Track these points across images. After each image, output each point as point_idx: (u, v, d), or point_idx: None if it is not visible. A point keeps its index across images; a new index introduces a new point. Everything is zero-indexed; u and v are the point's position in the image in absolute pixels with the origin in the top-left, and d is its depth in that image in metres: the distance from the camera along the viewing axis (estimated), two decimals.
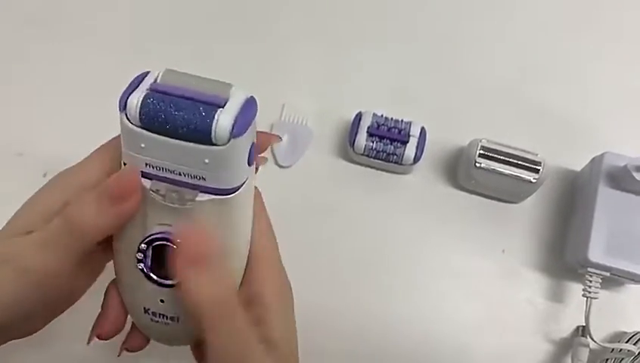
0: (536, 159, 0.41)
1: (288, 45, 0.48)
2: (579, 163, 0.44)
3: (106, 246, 0.28)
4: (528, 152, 0.41)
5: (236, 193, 0.25)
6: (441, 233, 0.44)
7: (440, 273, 0.43)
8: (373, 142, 0.42)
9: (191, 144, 0.23)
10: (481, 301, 0.42)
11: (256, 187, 0.29)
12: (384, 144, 0.42)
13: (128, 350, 0.31)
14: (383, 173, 0.45)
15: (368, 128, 0.42)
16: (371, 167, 0.44)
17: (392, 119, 0.43)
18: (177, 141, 0.23)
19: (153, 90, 0.23)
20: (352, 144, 0.43)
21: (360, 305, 0.41)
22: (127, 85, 0.24)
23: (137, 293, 0.28)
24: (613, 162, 0.40)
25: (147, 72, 0.24)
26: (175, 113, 0.23)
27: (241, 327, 0.26)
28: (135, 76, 0.24)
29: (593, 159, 0.42)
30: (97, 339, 0.30)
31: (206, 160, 0.23)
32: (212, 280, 0.25)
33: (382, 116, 0.43)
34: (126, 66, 0.46)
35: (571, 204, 0.44)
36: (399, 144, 0.42)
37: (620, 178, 0.40)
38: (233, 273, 0.28)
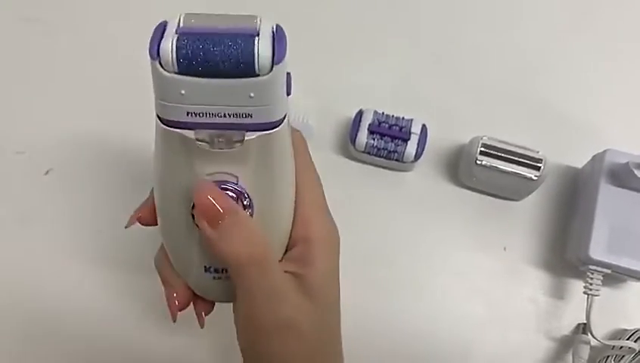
0: (537, 157, 0.41)
1: (289, 43, 0.48)
2: (580, 160, 0.44)
3: None
4: (529, 149, 0.41)
5: (281, 125, 0.24)
6: (442, 230, 0.44)
7: (441, 270, 0.43)
8: (374, 140, 0.42)
9: (235, 80, 0.22)
10: (482, 298, 0.42)
11: (299, 132, 0.29)
12: (385, 141, 0.42)
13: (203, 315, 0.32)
14: (385, 170, 0.45)
15: (369, 125, 0.42)
16: (373, 164, 0.44)
17: (393, 116, 0.43)
18: (219, 80, 0.22)
19: (184, 32, 0.22)
20: (354, 141, 0.43)
21: (361, 303, 0.41)
22: (152, 36, 0.22)
23: (195, 254, 0.28)
24: (615, 160, 0.40)
25: (165, 21, 0.23)
26: (214, 50, 0.22)
27: (273, 282, 0.26)
28: (155, 26, 0.23)
29: (594, 156, 0.42)
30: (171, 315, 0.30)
31: (252, 94, 0.22)
32: (239, 237, 0.25)
33: (383, 113, 0.43)
34: (129, 65, 0.46)
35: (572, 201, 0.44)
36: (400, 142, 0.42)
37: (622, 176, 0.40)
38: (285, 211, 0.28)
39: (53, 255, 0.42)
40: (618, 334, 0.41)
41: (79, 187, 0.44)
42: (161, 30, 0.22)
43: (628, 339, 0.40)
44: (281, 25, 0.24)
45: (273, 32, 0.23)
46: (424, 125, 0.43)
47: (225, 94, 0.22)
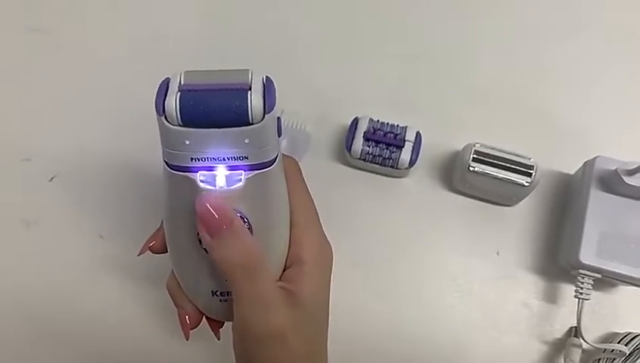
0: (529, 163, 0.42)
1: (286, 52, 0.49)
2: (572, 167, 0.45)
3: None
4: (521, 156, 0.42)
5: (275, 163, 0.27)
6: (436, 235, 0.44)
7: (435, 274, 0.44)
8: (369, 147, 0.43)
9: (232, 129, 0.25)
10: (475, 302, 0.43)
11: (293, 159, 0.32)
12: (380, 148, 0.43)
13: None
14: (380, 177, 0.45)
15: (365, 133, 0.43)
16: (368, 171, 0.45)
17: (388, 124, 0.44)
18: (218, 130, 0.25)
19: (185, 90, 0.25)
20: (349, 148, 0.44)
21: (356, 307, 0.42)
22: (156, 92, 0.25)
23: (202, 280, 0.30)
24: (605, 166, 0.41)
25: (168, 78, 0.26)
26: (212, 104, 0.24)
27: (263, 291, 0.28)
28: (159, 83, 0.26)
29: (585, 162, 0.43)
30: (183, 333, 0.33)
31: (247, 140, 0.25)
32: (235, 246, 0.27)
33: (378, 121, 0.44)
34: (133, 75, 0.47)
35: (564, 207, 0.45)
36: (394, 149, 0.43)
37: (611, 182, 0.40)
38: (280, 238, 0.30)
39: (56, 260, 0.43)
40: (609, 338, 0.42)
41: (83, 193, 0.45)
42: (165, 88, 0.25)
43: (619, 342, 0.40)
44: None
45: (264, 83, 0.26)
46: (418, 133, 0.44)
47: (223, 141, 0.25)
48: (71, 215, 0.44)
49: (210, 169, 0.26)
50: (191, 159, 0.26)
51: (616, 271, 0.39)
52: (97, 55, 0.49)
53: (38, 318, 0.42)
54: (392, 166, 0.43)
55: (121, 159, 0.45)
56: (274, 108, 0.25)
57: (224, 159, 0.26)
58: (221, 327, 0.34)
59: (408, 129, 0.43)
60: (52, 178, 0.45)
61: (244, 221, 0.28)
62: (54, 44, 0.49)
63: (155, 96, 0.25)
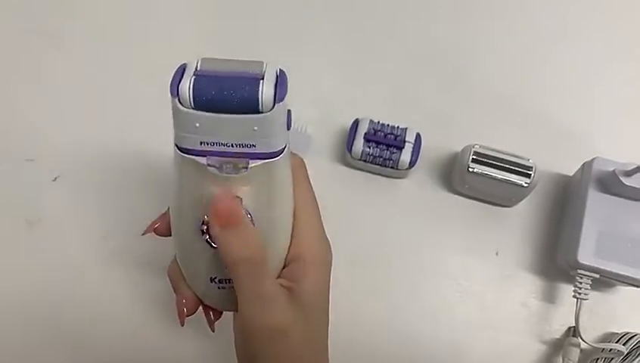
0: (528, 164, 0.42)
1: (287, 54, 0.49)
2: (571, 168, 0.45)
3: None
4: (520, 157, 0.42)
5: (282, 154, 0.27)
6: (436, 235, 0.45)
7: (435, 274, 0.44)
8: (370, 148, 0.44)
9: (242, 116, 0.25)
10: (475, 302, 0.43)
11: (300, 157, 0.32)
12: (381, 149, 0.44)
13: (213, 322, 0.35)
14: (380, 177, 0.46)
15: (365, 134, 0.44)
16: (369, 171, 0.46)
17: (388, 125, 0.44)
18: (228, 116, 0.25)
19: (200, 75, 0.26)
20: (350, 149, 0.44)
21: (356, 306, 0.43)
22: (172, 76, 0.26)
23: (202, 266, 0.31)
24: (603, 167, 0.41)
25: (185, 64, 0.27)
26: (225, 90, 0.25)
27: (267, 287, 0.28)
28: (176, 69, 0.26)
29: (584, 164, 0.43)
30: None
31: (255, 128, 0.26)
32: (241, 241, 0.28)
33: (378, 122, 0.44)
34: (136, 76, 0.48)
35: (563, 208, 0.45)
36: (394, 150, 0.44)
37: (609, 183, 0.41)
38: (283, 231, 0.30)
39: (59, 259, 0.44)
40: (607, 337, 0.42)
41: (86, 193, 0.45)
42: (181, 72, 0.26)
43: (617, 342, 0.41)
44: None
45: (277, 75, 0.26)
46: (418, 134, 0.44)
47: (233, 128, 0.26)
48: (74, 215, 0.45)
49: (218, 154, 0.27)
50: (201, 143, 0.26)
51: (614, 271, 0.39)
52: (99, 56, 0.49)
53: (41, 317, 0.43)
54: (392, 167, 0.44)
55: (124, 160, 0.46)
56: (285, 99, 0.26)
57: (232, 146, 0.26)
58: (216, 319, 0.35)
59: (408, 130, 0.44)
60: (56, 178, 0.46)
61: (247, 213, 0.28)
62: (55, 45, 0.50)
63: (171, 79, 0.26)
